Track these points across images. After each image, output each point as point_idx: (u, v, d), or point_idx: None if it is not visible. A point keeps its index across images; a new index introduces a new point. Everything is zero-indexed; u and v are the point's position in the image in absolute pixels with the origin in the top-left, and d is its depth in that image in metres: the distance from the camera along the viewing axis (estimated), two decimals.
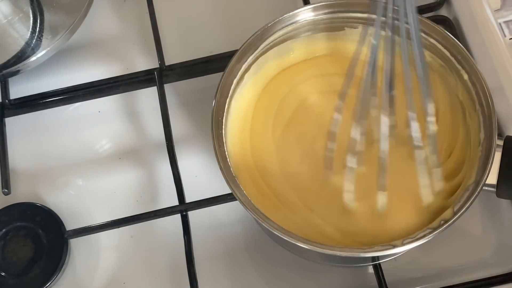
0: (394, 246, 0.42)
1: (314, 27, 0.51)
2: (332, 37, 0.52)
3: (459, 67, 0.47)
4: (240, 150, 0.48)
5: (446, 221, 0.42)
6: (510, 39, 0.53)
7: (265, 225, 0.42)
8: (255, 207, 0.43)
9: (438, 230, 0.42)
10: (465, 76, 0.47)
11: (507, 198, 0.48)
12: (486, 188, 0.44)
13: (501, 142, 0.45)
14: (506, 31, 0.53)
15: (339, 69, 0.51)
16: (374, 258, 0.49)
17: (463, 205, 0.43)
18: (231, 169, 0.45)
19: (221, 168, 0.44)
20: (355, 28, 0.51)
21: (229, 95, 0.48)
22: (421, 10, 0.59)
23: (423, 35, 0.49)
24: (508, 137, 0.46)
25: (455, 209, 0.43)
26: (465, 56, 0.47)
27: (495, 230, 0.53)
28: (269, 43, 0.50)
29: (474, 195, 0.43)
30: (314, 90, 0.51)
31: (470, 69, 0.47)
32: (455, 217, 0.42)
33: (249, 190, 0.45)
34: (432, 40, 0.48)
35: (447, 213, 0.43)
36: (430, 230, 0.42)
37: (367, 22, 0.50)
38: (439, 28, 0.48)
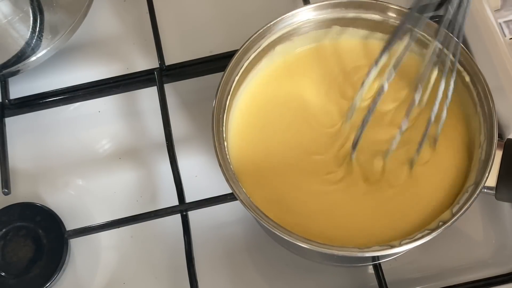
0: (392, 247, 0.42)
1: (314, 26, 0.51)
2: (332, 35, 0.52)
3: (461, 68, 0.47)
4: (240, 148, 0.49)
5: (444, 223, 0.42)
6: (510, 39, 0.53)
7: (263, 224, 0.42)
8: (254, 205, 0.43)
9: (436, 232, 0.42)
10: (467, 78, 0.47)
11: (506, 201, 0.48)
12: (486, 190, 0.44)
13: (501, 145, 0.45)
14: (506, 31, 0.53)
15: (341, 67, 0.51)
16: (374, 258, 0.49)
17: (461, 206, 0.43)
18: (231, 166, 0.45)
19: (220, 166, 0.44)
20: (356, 28, 0.51)
21: (230, 93, 0.48)
22: (421, 10, 0.59)
23: (425, 35, 0.49)
24: (508, 140, 0.46)
25: (454, 210, 0.43)
26: (467, 58, 0.47)
27: (495, 231, 0.53)
28: (270, 42, 0.50)
29: (473, 197, 0.43)
30: (314, 89, 0.51)
31: (472, 71, 0.47)
32: (453, 219, 0.42)
33: (249, 188, 0.45)
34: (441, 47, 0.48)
35: (445, 215, 0.43)
36: (428, 231, 0.42)
37: (367, 22, 0.50)
38: (442, 29, 0.48)
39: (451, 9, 0.42)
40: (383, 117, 0.49)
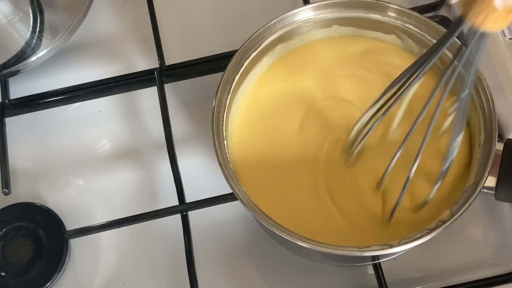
0: (391, 246, 0.42)
1: (314, 26, 0.51)
2: (332, 34, 0.52)
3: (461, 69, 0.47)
4: (240, 147, 0.49)
5: (443, 222, 0.42)
6: (510, 39, 0.53)
7: (263, 223, 0.42)
8: (253, 204, 0.43)
9: (436, 231, 0.42)
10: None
11: (506, 201, 0.48)
12: (485, 190, 0.44)
13: (501, 145, 0.45)
14: (506, 31, 0.53)
15: (340, 65, 0.51)
16: (373, 258, 0.49)
17: (461, 206, 0.43)
18: (231, 165, 0.45)
19: (220, 165, 0.44)
20: (356, 27, 0.51)
21: (230, 92, 0.48)
22: (421, 10, 0.59)
23: (427, 36, 0.49)
24: (508, 140, 0.46)
25: (453, 210, 0.43)
26: (469, 60, 0.47)
27: (495, 231, 0.53)
28: (270, 42, 0.50)
29: (473, 197, 0.43)
30: (314, 87, 0.51)
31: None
32: (452, 219, 0.42)
33: (249, 187, 0.45)
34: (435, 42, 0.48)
35: (444, 215, 0.43)
36: (427, 231, 0.42)
37: (367, 21, 0.51)
38: (443, 29, 0.48)
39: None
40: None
